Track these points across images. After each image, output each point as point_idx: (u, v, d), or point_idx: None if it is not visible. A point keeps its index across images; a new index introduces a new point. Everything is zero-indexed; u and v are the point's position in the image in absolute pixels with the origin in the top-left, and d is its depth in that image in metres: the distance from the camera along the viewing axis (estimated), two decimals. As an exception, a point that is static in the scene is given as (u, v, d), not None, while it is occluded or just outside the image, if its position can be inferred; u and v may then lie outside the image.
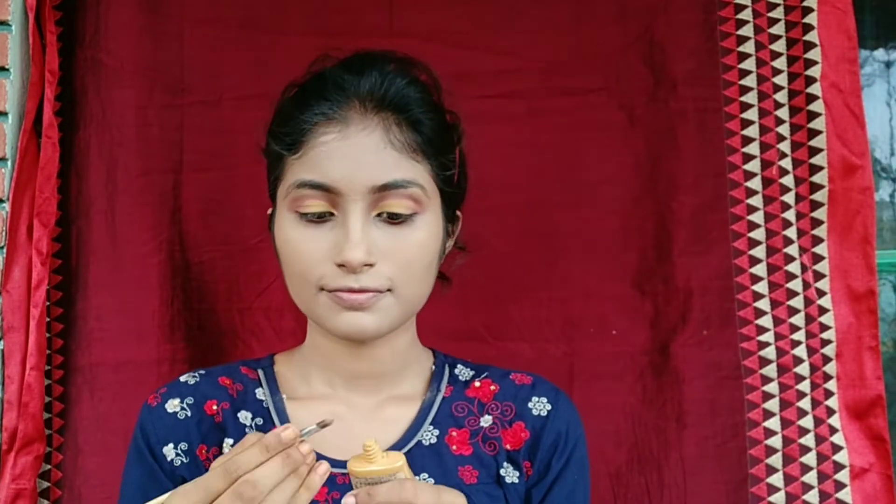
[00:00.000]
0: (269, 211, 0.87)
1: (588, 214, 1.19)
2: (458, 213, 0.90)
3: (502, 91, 1.20)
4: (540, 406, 0.89)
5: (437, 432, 0.87)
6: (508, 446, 0.87)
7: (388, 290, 0.80)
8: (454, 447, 0.86)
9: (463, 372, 0.93)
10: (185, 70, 1.20)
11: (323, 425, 0.71)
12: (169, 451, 0.85)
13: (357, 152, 0.78)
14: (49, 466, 1.13)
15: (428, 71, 0.87)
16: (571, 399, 0.91)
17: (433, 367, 0.93)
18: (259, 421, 0.87)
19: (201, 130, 1.20)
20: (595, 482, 1.04)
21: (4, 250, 1.11)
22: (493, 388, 0.90)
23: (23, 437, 1.07)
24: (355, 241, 0.77)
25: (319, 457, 0.83)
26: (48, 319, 1.14)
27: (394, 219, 0.79)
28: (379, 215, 0.79)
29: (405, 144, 0.79)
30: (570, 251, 1.19)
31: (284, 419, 0.87)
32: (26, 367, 1.08)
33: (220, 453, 0.85)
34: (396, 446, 0.85)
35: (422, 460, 0.84)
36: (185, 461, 0.85)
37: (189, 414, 0.86)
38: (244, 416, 0.87)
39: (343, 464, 0.82)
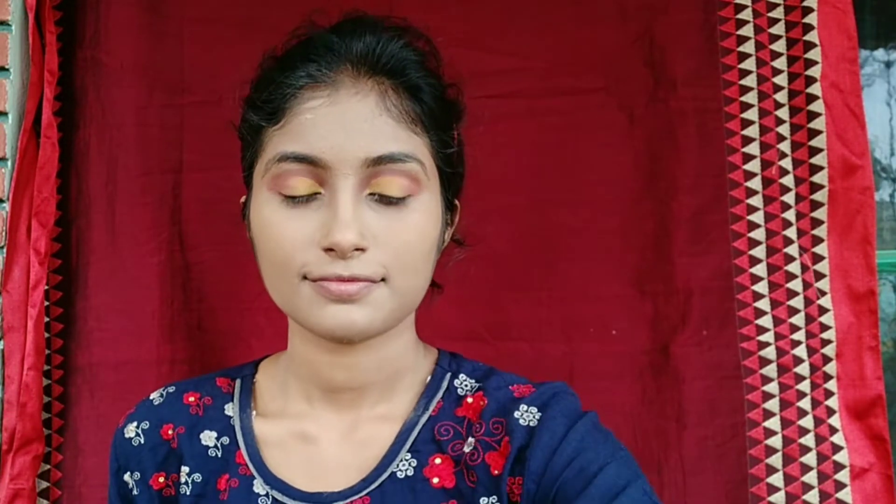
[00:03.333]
0: (243, 199, 0.78)
1: (588, 214, 1.19)
2: (457, 202, 0.82)
3: (502, 91, 1.20)
4: (528, 416, 0.75)
5: (414, 462, 0.75)
6: (496, 471, 0.74)
7: (382, 279, 0.70)
8: (435, 479, 0.75)
9: (464, 384, 0.81)
10: (185, 70, 1.20)
11: None
12: (128, 478, 0.81)
13: (348, 119, 0.68)
14: (49, 466, 1.13)
15: (427, 39, 0.78)
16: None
17: (429, 378, 0.81)
18: (225, 440, 0.80)
19: (201, 130, 1.20)
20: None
21: (4, 250, 1.11)
22: (482, 402, 0.78)
23: (21, 438, 1.07)
24: (345, 221, 0.67)
25: (281, 486, 0.76)
26: (48, 319, 1.14)
27: (387, 200, 0.70)
28: (371, 195, 0.70)
29: (403, 112, 0.70)
30: (570, 251, 1.18)
31: (250, 440, 0.79)
32: (24, 367, 1.08)
33: (179, 481, 0.79)
34: (368, 479, 0.75)
35: (393, 497, 0.74)
36: (136, 492, 0.81)
37: (143, 440, 0.81)
38: (208, 437, 0.80)
39: (307, 496, 0.75)
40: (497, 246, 1.17)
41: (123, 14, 1.19)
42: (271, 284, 0.74)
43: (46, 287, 1.12)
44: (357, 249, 0.68)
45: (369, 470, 0.76)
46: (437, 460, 0.76)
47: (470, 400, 0.79)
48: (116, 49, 1.19)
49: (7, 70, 1.13)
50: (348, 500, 0.74)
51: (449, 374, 0.82)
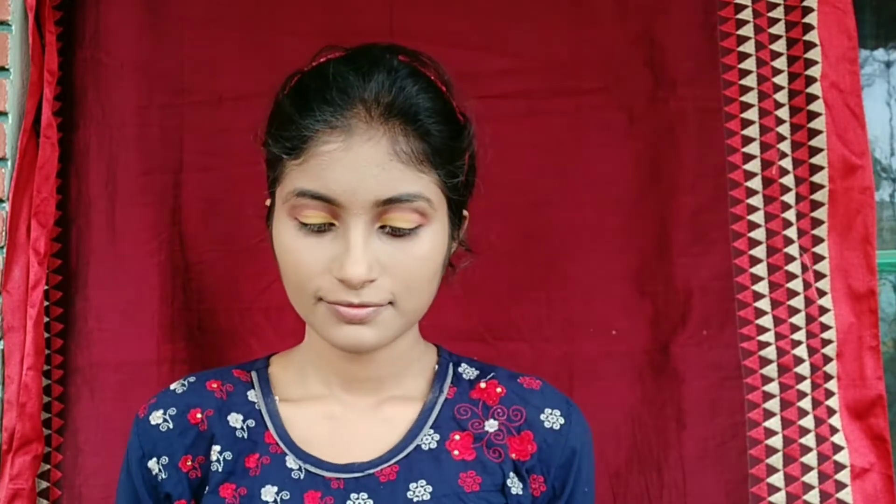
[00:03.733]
0: (268, 202, 0.84)
1: (588, 214, 1.19)
2: (465, 212, 0.87)
3: (502, 91, 1.20)
4: (553, 419, 0.86)
5: (437, 437, 0.84)
6: (514, 455, 0.84)
7: (390, 303, 0.77)
8: (456, 452, 0.83)
9: (467, 371, 0.90)
10: (185, 70, 1.20)
11: None
12: (153, 464, 0.84)
13: (360, 164, 0.73)
14: (49, 466, 1.13)
15: (438, 68, 0.82)
16: (573, 400, 0.89)
17: (436, 366, 0.90)
18: (251, 423, 0.85)
19: (201, 130, 1.20)
20: (595, 482, 1.03)
21: (4, 250, 1.11)
22: (499, 390, 0.88)
23: (20, 438, 1.07)
24: (356, 258, 0.74)
25: (313, 460, 0.82)
26: (48, 319, 1.14)
27: (397, 232, 0.76)
28: (382, 228, 0.76)
29: (412, 156, 0.75)
30: (570, 251, 1.18)
31: (277, 421, 0.85)
32: (23, 367, 1.08)
33: (207, 462, 0.84)
34: (395, 451, 0.83)
35: (420, 466, 0.82)
36: (164, 476, 0.84)
37: (171, 426, 0.85)
38: (234, 419, 0.85)
39: (339, 467, 0.81)
40: (497, 246, 1.17)
41: (123, 14, 1.19)
42: (292, 299, 0.81)
43: (46, 287, 1.12)
44: (367, 281, 0.75)
45: (395, 443, 0.84)
46: (457, 436, 0.84)
47: (483, 385, 0.88)
48: (116, 49, 1.19)
49: (7, 70, 1.13)
50: (379, 468, 0.81)
51: (451, 364, 0.90)
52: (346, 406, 0.86)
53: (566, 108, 1.20)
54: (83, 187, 1.18)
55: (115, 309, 1.16)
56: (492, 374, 0.89)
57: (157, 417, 0.85)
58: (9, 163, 1.12)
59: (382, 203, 0.74)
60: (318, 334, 0.82)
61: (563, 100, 1.20)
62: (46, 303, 1.14)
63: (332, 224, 0.76)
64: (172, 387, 0.88)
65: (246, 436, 0.85)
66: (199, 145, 1.20)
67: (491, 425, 0.85)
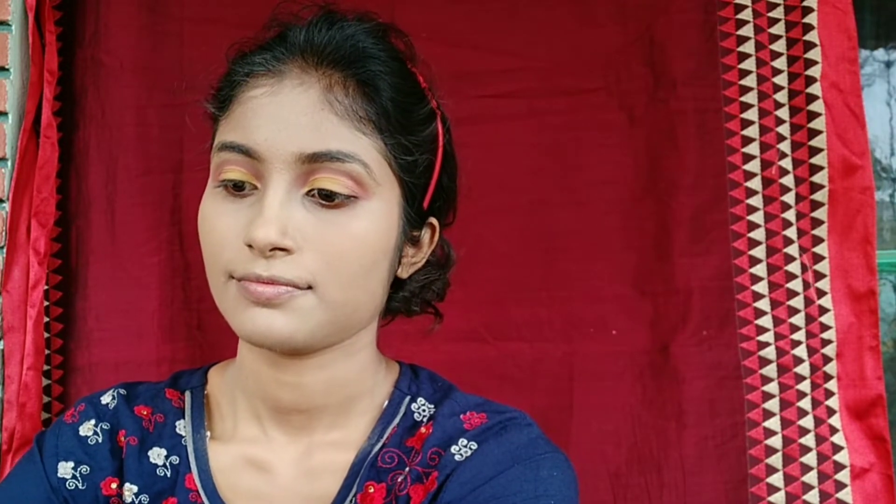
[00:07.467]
0: None
1: (588, 214, 1.19)
2: (434, 220, 0.75)
3: (502, 91, 1.20)
4: (465, 451, 0.70)
5: (356, 493, 0.71)
6: None
7: (309, 287, 0.65)
8: None
9: (422, 409, 0.75)
10: (184, 70, 1.20)
11: None
12: (66, 468, 0.74)
13: (287, 112, 0.64)
14: (49, 466, 1.13)
15: (405, 39, 0.72)
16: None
17: (387, 402, 0.76)
18: (175, 459, 0.75)
19: (201, 130, 1.20)
20: (595, 482, 1.04)
21: (4, 250, 1.11)
22: (429, 431, 0.73)
23: (20, 438, 1.07)
24: (268, 217, 0.63)
25: None
26: (48, 319, 1.14)
27: (327, 199, 0.64)
28: (310, 194, 0.65)
29: (349, 109, 0.64)
30: (570, 251, 1.18)
31: (203, 464, 0.74)
32: (23, 367, 1.08)
33: (124, 497, 0.73)
34: None
35: None
36: (80, 487, 0.73)
37: (100, 440, 0.76)
38: (157, 454, 0.75)
39: None
40: (497, 246, 1.17)
41: (123, 14, 1.19)
42: (209, 282, 0.71)
43: (46, 287, 1.12)
44: (280, 249, 0.64)
45: None
46: (371, 489, 0.71)
47: (423, 430, 0.73)
48: (116, 49, 1.19)
49: (7, 70, 1.13)
50: None
51: (408, 398, 0.76)
52: (277, 453, 0.74)
53: (566, 108, 1.20)
54: (83, 187, 1.18)
55: (114, 309, 1.16)
56: (433, 414, 0.74)
57: (87, 429, 0.76)
58: (9, 163, 1.12)
59: (308, 159, 0.64)
60: (230, 325, 0.69)
61: (563, 100, 1.20)
62: (46, 303, 1.14)
63: (255, 187, 0.66)
64: (104, 400, 0.79)
65: (168, 474, 0.74)
66: (199, 145, 1.20)
67: (403, 473, 0.71)
